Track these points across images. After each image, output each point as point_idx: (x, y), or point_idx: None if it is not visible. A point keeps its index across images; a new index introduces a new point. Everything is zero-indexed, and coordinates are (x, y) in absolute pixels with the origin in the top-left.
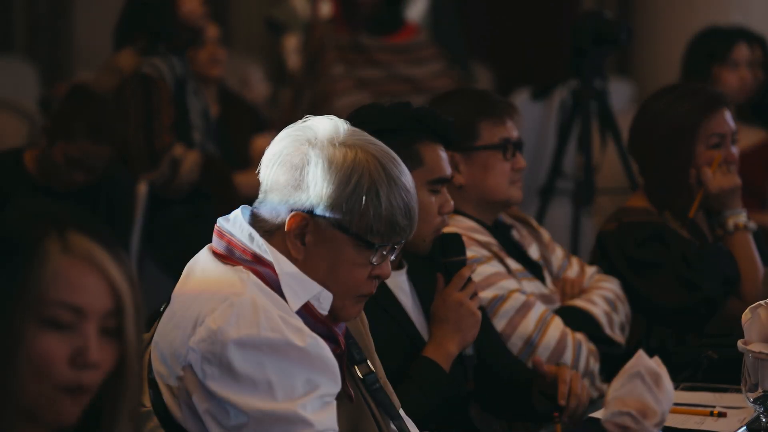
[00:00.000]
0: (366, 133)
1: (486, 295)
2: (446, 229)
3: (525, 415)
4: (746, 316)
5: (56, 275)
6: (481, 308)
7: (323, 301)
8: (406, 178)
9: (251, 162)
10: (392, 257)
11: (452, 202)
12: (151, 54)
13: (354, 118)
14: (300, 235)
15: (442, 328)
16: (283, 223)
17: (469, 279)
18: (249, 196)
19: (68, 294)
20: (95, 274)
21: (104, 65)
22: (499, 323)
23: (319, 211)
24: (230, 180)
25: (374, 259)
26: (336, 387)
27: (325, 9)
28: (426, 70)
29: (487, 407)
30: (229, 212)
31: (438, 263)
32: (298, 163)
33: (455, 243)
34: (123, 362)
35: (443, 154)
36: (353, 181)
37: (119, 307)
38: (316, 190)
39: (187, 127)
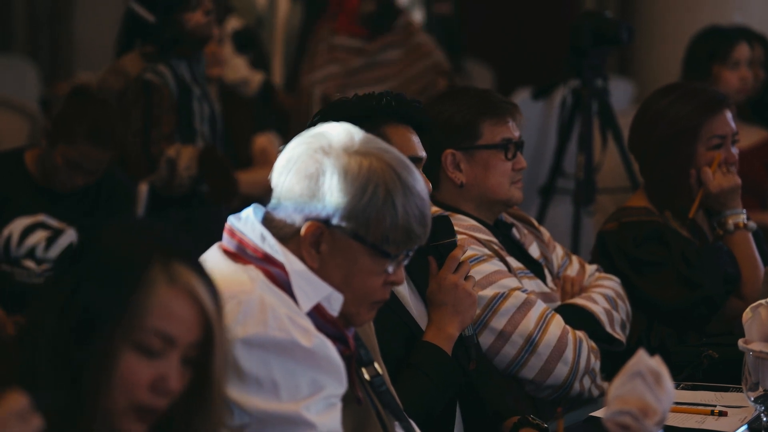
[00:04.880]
0: (379, 140)
1: (487, 293)
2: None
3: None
4: (747, 315)
5: (159, 305)
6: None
7: (334, 302)
8: (420, 185)
9: (252, 160)
10: (406, 263)
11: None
12: (156, 60)
13: (323, 113)
14: (315, 244)
15: (440, 312)
16: (298, 231)
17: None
18: (250, 194)
19: (165, 324)
20: (194, 307)
21: (111, 66)
22: (500, 321)
23: (334, 220)
24: (228, 170)
25: (390, 268)
26: (341, 388)
27: (283, 4)
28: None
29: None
30: (227, 202)
31: (428, 246)
32: (314, 172)
33: (444, 225)
34: (205, 392)
35: (412, 136)
36: (369, 191)
37: (208, 338)
38: (331, 200)
39: (191, 133)
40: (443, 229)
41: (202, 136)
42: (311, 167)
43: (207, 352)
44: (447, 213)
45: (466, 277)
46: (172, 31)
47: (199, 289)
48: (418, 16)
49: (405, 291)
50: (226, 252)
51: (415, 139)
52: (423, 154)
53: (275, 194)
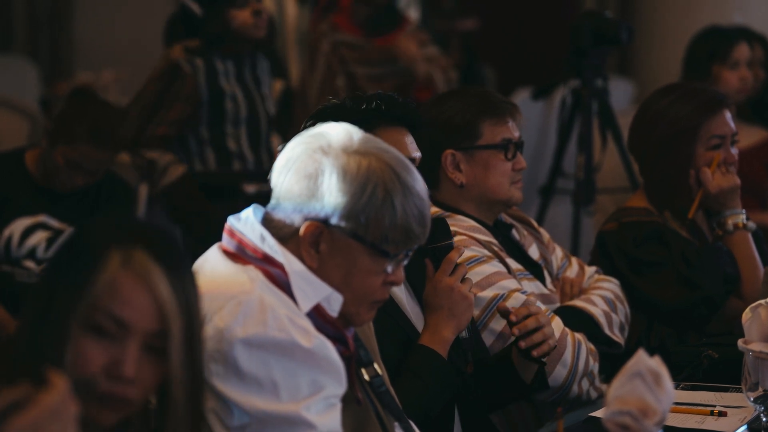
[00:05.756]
0: (379, 140)
1: (486, 294)
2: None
3: (514, 389)
4: (746, 315)
5: (109, 286)
6: None
7: (333, 302)
8: (420, 185)
9: None
10: (405, 263)
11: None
12: (197, 54)
13: (316, 117)
14: (314, 243)
15: (436, 315)
16: (298, 231)
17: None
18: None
19: (115, 306)
20: (145, 294)
21: (161, 55)
22: (500, 322)
23: (333, 220)
24: (201, 209)
25: (389, 268)
26: (341, 388)
27: (291, 8)
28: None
29: (482, 402)
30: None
31: (425, 248)
32: (312, 172)
33: (440, 227)
34: (167, 385)
35: (405, 137)
36: (368, 190)
37: (165, 330)
38: (330, 199)
39: (220, 134)
40: (440, 231)
41: (235, 138)
42: (310, 167)
43: (167, 344)
44: (446, 214)
45: (463, 280)
46: (216, 26)
47: (155, 278)
48: (414, 14)
49: (402, 294)
50: (226, 252)
51: (408, 140)
52: (417, 154)
53: (274, 194)
